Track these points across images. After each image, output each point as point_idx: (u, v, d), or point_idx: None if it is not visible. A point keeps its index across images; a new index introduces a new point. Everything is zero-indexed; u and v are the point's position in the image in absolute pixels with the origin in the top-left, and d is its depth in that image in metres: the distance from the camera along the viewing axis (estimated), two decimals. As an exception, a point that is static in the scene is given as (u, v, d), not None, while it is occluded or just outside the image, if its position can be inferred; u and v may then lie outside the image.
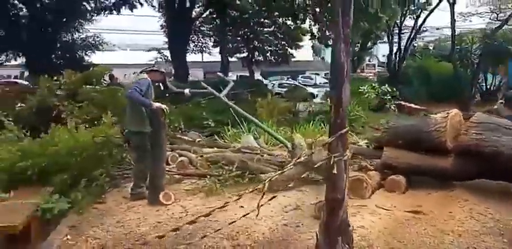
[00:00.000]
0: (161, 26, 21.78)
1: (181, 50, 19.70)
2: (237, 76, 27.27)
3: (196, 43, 22.88)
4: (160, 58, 21.92)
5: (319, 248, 2.87)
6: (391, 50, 20.04)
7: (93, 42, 20.48)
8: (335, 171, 2.62)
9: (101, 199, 4.31)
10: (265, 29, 22.76)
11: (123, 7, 16.64)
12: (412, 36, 19.28)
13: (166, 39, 20.39)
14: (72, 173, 4.13)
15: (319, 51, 39.80)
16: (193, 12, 19.18)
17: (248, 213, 3.07)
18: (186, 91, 6.13)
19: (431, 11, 18.03)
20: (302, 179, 4.75)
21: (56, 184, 4.03)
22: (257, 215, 3.01)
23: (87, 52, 20.19)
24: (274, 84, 26.92)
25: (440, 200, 3.89)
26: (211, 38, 22.65)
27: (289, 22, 21.91)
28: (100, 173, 4.30)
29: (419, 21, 18.90)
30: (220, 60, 23.35)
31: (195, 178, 5.04)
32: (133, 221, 3.79)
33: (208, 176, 4.71)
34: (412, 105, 16.15)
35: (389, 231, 3.28)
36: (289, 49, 23.16)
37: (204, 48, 23.38)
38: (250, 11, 20.43)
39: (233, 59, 25.20)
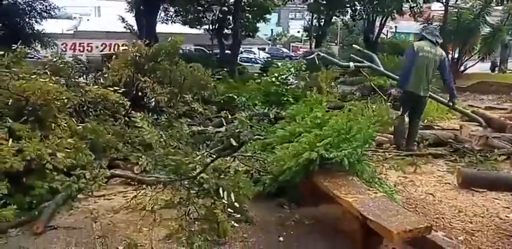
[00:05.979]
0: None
1: (150, 20, 17.88)
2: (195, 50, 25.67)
3: (167, 13, 20.77)
4: (125, 27, 19.62)
5: None
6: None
7: (41, 6, 17.41)
8: None
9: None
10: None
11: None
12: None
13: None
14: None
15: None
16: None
17: None
18: (351, 64, 6.04)
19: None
20: None
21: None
22: None
23: (36, 19, 17.13)
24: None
25: None
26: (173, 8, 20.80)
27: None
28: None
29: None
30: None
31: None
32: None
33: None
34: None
35: None
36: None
37: (175, 19, 21.36)
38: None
39: (193, 31, 23.66)
